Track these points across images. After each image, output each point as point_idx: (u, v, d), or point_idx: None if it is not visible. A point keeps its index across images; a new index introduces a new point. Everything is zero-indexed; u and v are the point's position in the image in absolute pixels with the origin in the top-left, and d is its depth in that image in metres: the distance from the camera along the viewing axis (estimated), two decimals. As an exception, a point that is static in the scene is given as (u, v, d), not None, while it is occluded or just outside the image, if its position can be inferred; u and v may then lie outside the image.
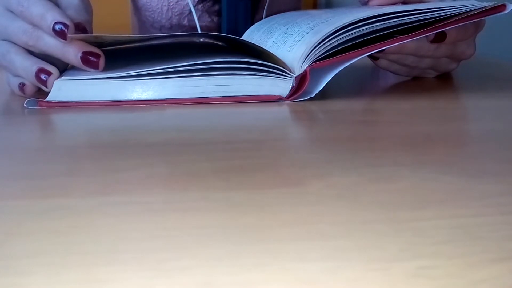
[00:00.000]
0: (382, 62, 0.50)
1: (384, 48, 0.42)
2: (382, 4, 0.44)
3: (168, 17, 0.72)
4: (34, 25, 0.39)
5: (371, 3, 0.45)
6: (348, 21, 0.40)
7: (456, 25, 0.43)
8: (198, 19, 0.70)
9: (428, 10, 0.42)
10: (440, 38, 0.45)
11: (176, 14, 0.71)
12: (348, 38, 0.41)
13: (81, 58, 0.39)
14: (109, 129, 0.32)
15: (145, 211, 0.19)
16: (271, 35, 0.46)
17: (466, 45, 0.50)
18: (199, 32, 0.65)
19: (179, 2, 0.72)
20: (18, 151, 0.27)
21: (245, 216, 0.19)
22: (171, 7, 0.71)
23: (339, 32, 0.40)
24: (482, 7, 0.43)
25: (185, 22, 0.72)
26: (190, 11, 0.71)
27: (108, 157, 0.26)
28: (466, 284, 0.14)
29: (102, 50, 0.40)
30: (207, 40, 0.53)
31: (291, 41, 0.42)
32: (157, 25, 0.75)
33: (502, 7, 0.43)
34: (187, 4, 0.71)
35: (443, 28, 0.43)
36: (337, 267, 0.15)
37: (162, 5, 0.71)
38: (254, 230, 0.18)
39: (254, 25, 0.55)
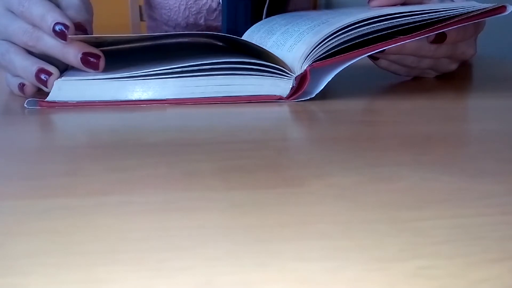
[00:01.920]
0: (382, 63, 0.50)
1: (384, 48, 0.42)
2: (382, 5, 0.44)
3: (185, 16, 0.72)
4: (34, 26, 0.39)
5: (371, 3, 0.45)
6: (348, 21, 0.40)
7: (456, 26, 0.43)
8: (215, 18, 0.71)
9: (428, 11, 0.42)
10: (440, 38, 0.45)
11: (193, 13, 0.71)
12: (348, 38, 0.41)
13: (81, 59, 0.39)
14: (109, 129, 0.32)
15: (145, 211, 0.19)
16: (271, 35, 0.46)
17: (466, 45, 0.50)
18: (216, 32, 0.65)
19: (197, 2, 0.72)
20: (18, 151, 0.27)
21: (245, 216, 0.19)
22: (189, 6, 0.71)
23: (340, 33, 0.40)
24: (483, 8, 0.43)
25: (202, 21, 0.73)
26: (208, 11, 0.71)
27: (108, 157, 0.26)
28: (466, 284, 0.14)
29: (102, 51, 0.40)
30: (207, 40, 0.53)
31: (292, 41, 0.42)
32: (172, 23, 0.75)
33: (502, 8, 0.43)
34: (205, 3, 0.71)
35: (443, 28, 0.43)
36: (337, 267, 0.15)
37: (179, 4, 0.71)
38: (254, 230, 0.18)
39: (254, 25, 0.55)
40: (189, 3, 0.71)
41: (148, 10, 0.84)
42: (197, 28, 0.74)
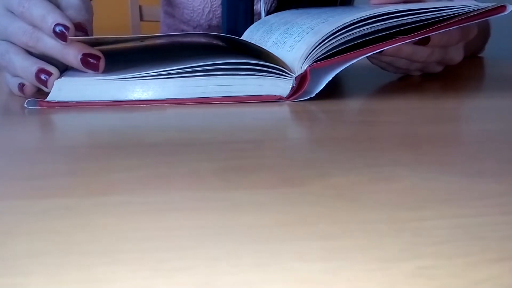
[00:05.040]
0: (374, 59, 0.51)
1: (384, 49, 0.42)
2: (382, 3, 0.44)
3: (208, 18, 0.72)
4: (35, 26, 0.39)
5: (371, 1, 0.45)
6: (348, 21, 0.40)
7: (455, 27, 0.43)
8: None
9: (429, 10, 0.42)
10: (423, 41, 0.46)
11: (217, 16, 0.71)
12: (348, 38, 0.41)
13: (81, 60, 0.39)
14: (109, 129, 0.32)
15: (145, 211, 0.19)
16: (271, 35, 0.46)
17: (456, 51, 0.51)
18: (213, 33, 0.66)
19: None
20: (18, 151, 0.27)
21: (245, 216, 0.19)
22: (213, 9, 0.71)
23: (340, 32, 0.40)
24: (482, 8, 0.43)
25: None
26: None
27: (108, 157, 0.26)
28: (466, 284, 0.14)
29: (102, 51, 0.40)
30: (207, 40, 0.53)
31: (291, 41, 0.42)
32: (194, 23, 0.75)
33: (502, 8, 0.43)
34: None
35: (443, 29, 0.43)
36: (337, 267, 0.15)
37: (204, 6, 0.71)
38: (254, 230, 0.18)
39: (253, 24, 0.55)
40: (214, 6, 0.71)
41: (166, 6, 0.83)
42: (220, 31, 0.74)
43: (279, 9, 0.65)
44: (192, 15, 0.74)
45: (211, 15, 0.71)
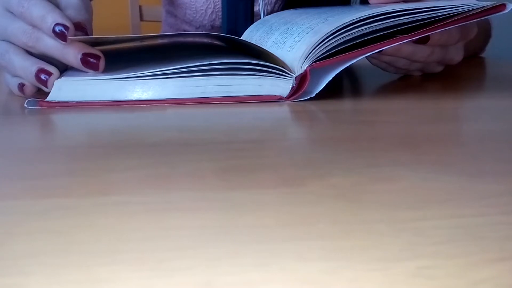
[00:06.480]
0: (374, 60, 0.51)
1: (383, 48, 0.42)
2: (382, 3, 0.44)
3: (211, 19, 0.71)
4: (34, 26, 0.39)
5: (371, 1, 0.45)
6: (348, 20, 0.40)
7: (455, 26, 0.44)
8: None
9: (428, 9, 0.42)
10: (423, 40, 0.46)
11: (220, 17, 0.71)
12: (348, 38, 0.41)
13: (81, 59, 0.39)
14: (109, 129, 0.32)
15: (145, 211, 0.19)
16: (271, 34, 0.46)
17: (455, 51, 0.51)
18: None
19: None
20: (18, 151, 0.27)
21: (245, 216, 0.19)
22: (217, 10, 0.71)
23: (339, 32, 0.40)
24: (482, 7, 0.43)
25: None
26: None
27: (108, 157, 0.26)
28: (466, 284, 0.14)
29: (102, 51, 0.40)
30: (207, 40, 0.53)
31: (291, 41, 0.42)
32: (197, 23, 0.75)
33: (502, 6, 0.43)
34: None
35: (443, 28, 0.43)
36: (337, 267, 0.15)
37: (207, 7, 0.71)
38: (254, 230, 0.18)
39: (253, 24, 0.55)
40: (217, 7, 0.71)
41: (167, 5, 0.83)
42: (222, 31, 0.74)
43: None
44: (195, 15, 0.74)
45: (214, 16, 0.71)
